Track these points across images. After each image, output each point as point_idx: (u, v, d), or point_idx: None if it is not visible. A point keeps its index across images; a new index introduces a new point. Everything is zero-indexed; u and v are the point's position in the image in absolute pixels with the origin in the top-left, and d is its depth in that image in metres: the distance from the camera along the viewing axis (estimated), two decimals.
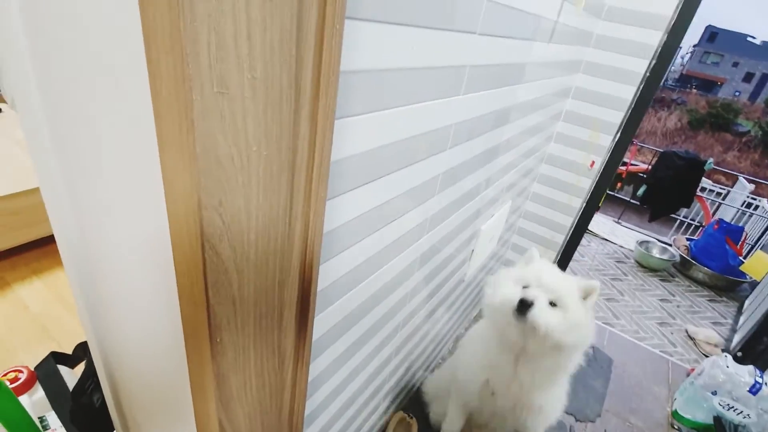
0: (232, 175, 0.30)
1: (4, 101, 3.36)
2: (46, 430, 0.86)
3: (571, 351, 0.93)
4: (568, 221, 1.88)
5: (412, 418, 1.39)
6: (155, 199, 0.32)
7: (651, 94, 1.65)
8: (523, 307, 0.85)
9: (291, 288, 0.45)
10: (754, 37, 29.79)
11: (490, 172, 1.12)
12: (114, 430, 0.79)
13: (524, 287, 0.92)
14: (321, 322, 0.62)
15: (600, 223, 3.64)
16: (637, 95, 1.58)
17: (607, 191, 4.07)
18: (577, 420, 1.62)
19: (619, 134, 1.67)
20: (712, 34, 30.05)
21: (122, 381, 0.65)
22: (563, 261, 2.19)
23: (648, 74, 1.54)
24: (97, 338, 0.60)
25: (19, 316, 1.56)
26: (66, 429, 0.79)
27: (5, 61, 0.40)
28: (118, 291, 0.48)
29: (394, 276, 0.82)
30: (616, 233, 3.49)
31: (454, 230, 1.06)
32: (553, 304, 0.89)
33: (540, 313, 0.86)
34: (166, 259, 0.35)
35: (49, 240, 1.93)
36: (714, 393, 1.58)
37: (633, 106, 1.61)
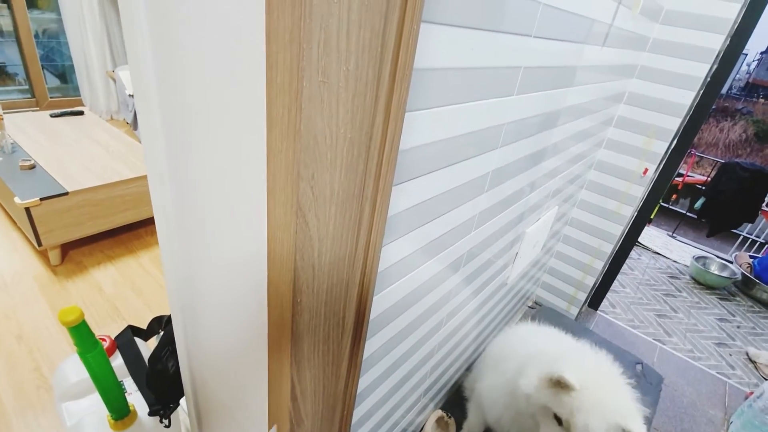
0: (324, 152, 0.35)
1: (83, 104, 3.71)
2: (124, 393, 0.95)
3: None
4: (618, 230, 1.83)
5: (450, 417, 1.40)
6: (257, 174, 0.37)
7: (712, 100, 1.59)
8: None
9: (357, 263, 0.49)
10: None
11: (536, 175, 1.13)
12: (183, 395, 0.88)
13: (556, 418, 0.81)
14: (375, 304, 0.66)
15: (652, 236, 3.47)
16: (697, 101, 1.53)
17: (662, 203, 3.88)
18: None
19: (675, 141, 1.61)
20: None
21: (197, 349, 0.72)
22: (611, 272, 2.12)
23: (709, 79, 1.49)
24: (182, 309, 0.68)
25: (95, 296, 1.73)
26: (141, 393, 0.88)
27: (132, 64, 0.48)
28: (207, 262, 0.55)
29: (443, 268, 0.85)
30: (670, 247, 3.31)
31: (500, 230, 1.08)
32: None
33: None
34: (259, 228, 0.41)
35: (123, 230, 2.13)
36: None
37: (691, 112, 1.55)
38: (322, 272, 0.43)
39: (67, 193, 1.75)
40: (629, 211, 1.77)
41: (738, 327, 2.45)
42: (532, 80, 0.79)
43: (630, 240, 1.99)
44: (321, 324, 0.48)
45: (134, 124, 3.41)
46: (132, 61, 0.47)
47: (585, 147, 1.48)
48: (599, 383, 0.80)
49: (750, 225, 3.48)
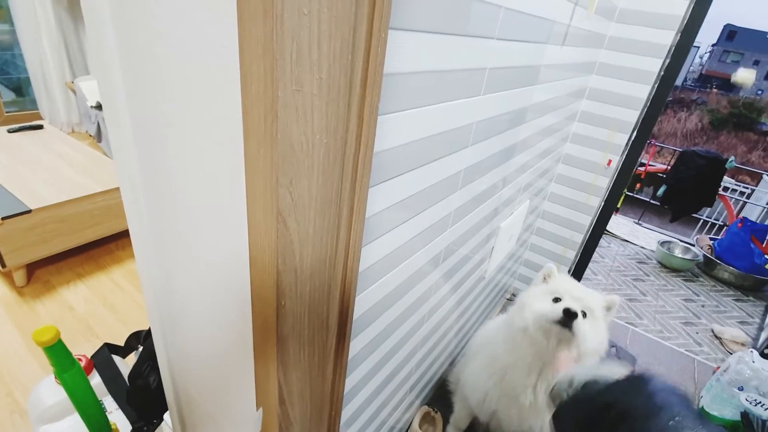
0: (301, 158, 0.36)
1: (42, 117, 3.56)
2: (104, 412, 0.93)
3: (592, 359, 0.98)
4: (587, 220, 1.91)
5: (437, 412, 1.42)
6: (237, 180, 0.38)
7: (666, 93, 1.67)
8: (569, 318, 0.89)
9: (338, 265, 0.51)
10: None
11: (507, 171, 1.17)
12: (167, 409, 0.86)
13: (555, 300, 0.96)
14: (357, 304, 0.67)
15: (620, 224, 3.61)
16: (652, 94, 1.61)
17: (627, 192, 4.05)
18: None
19: (635, 133, 1.70)
20: (730, 33, 29.44)
21: (180, 361, 0.71)
22: (583, 261, 2.20)
23: (662, 73, 1.57)
24: (162, 321, 0.67)
25: (65, 316, 1.67)
26: (122, 410, 0.86)
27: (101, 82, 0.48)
28: (186, 272, 0.55)
29: (422, 266, 0.87)
30: (637, 234, 3.46)
31: (475, 226, 1.11)
32: (584, 314, 0.94)
33: (581, 321, 0.91)
34: (240, 234, 0.41)
35: (92, 245, 2.05)
36: (740, 389, 1.56)
37: (648, 104, 1.64)
38: (304, 275, 0.44)
39: (30, 211, 1.68)
40: (597, 202, 1.85)
41: (702, 306, 2.59)
42: (497, 80, 0.82)
43: (599, 229, 2.08)
44: (305, 326, 0.49)
45: (98, 136, 3.29)
46: (100, 74, 0.47)
47: (552, 142, 1.54)
48: (573, 280, 1.03)
49: (709, 209, 3.68)
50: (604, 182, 1.79)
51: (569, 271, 2.08)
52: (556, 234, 2.00)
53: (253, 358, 0.51)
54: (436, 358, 1.35)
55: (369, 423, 1.01)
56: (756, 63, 28.51)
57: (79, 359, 0.95)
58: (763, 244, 2.89)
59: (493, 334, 1.19)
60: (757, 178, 4.59)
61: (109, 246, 2.11)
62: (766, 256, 2.85)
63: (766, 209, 3.74)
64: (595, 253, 2.25)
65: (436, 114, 0.65)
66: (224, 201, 0.41)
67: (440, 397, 1.50)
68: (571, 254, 2.01)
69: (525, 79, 0.98)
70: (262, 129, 0.33)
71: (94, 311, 1.71)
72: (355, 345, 0.74)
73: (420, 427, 1.36)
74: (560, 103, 1.40)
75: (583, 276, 2.31)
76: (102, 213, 1.92)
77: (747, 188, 4.17)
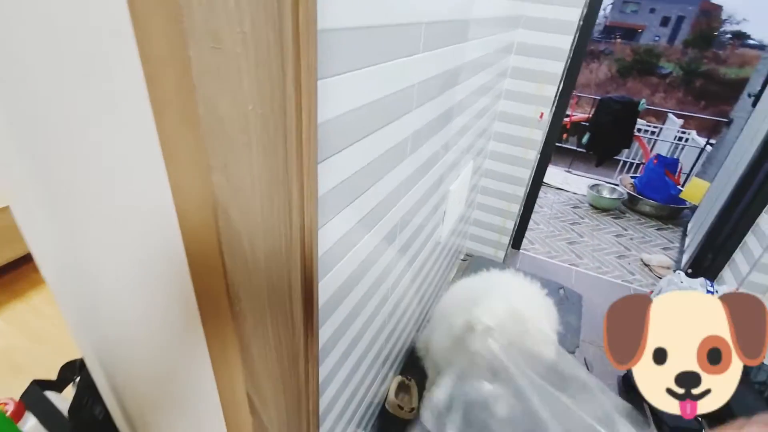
0: (234, 134, 0.30)
1: None
2: None
3: None
4: (526, 174, 1.98)
5: (410, 380, 1.44)
6: (152, 172, 0.31)
7: (586, 41, 1.74)
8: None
9: (295, 253, 0.45)
10: None
11: (450, 133, 1.15)
12: None
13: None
14: (321, 291, 0.63)
15: (553, 174, 3.82)
16: (575, 44, 1.66)
17: (555, 143, 4.29)
18: None
19: (562, 83, 1.75)
20: None
21: (126, 385, 0.63)
22: (526, 214, 2.31)
23: (581, 22, 1.62)
24: (94, 348, 0.58)
25: None
26: None
27: None
28: (114, 287, 0.47)
29: (380, 241, 0.84)
30: (569, 182, 3.69)
31: (426, 193, 1.09)
32: None
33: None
34: (171, 236, 0.35)
35: (1, 272, 1.79)
36: None
37: (572, 54, 1.69)
38: (259, 269, 0.39)
39: None
40: (533, 155, 1.91)
41: (631, 239, 2.84)
42: (434, 37, 0.78)
43: (537, 181, 2.17)
44: (269, 326, 0.44)
45: None
46: None
47: (487, 101, 1.55)
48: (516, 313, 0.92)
49: (627, 150, 4.00)
50: (538, 135, 1.85)
51: (514, 227, 2.16)
52: (499, 190, 2.06)
53: (213, 373, 0.45)
54: (404, 328, 1.35)
55: (348, 405, 0.98)
56: (652, 11, 31.02)
57: (5, 404, 0.83)
58: (675, 176, 3.21)
59: (450, 304, 1.21)
60: (662, 117, 5.05)
61: (21, 270, 1.85)
62: (678, 186, 3.17)
63: (674, 144, 4.14)
64: (535, 204, 2.36)
65: (378, 75, 0.60)
66: (143, 203, 0.34)
67: (412, 364, 1.52)
68: (515, 208, 2.08)
69: (458, 35, 0.95)
70: (177, 102, 0.27)
71: (16, 345, 1.50)
72: (324, 333, 0.70)
73: (396, 397, 1.37)
74: (491, 60, 1.39)
75: (528, 227, 2.43)
76: (1, 234, 1.67)
77: (656, 128, 4.59)
